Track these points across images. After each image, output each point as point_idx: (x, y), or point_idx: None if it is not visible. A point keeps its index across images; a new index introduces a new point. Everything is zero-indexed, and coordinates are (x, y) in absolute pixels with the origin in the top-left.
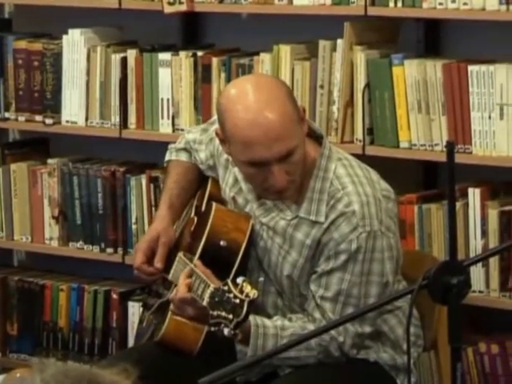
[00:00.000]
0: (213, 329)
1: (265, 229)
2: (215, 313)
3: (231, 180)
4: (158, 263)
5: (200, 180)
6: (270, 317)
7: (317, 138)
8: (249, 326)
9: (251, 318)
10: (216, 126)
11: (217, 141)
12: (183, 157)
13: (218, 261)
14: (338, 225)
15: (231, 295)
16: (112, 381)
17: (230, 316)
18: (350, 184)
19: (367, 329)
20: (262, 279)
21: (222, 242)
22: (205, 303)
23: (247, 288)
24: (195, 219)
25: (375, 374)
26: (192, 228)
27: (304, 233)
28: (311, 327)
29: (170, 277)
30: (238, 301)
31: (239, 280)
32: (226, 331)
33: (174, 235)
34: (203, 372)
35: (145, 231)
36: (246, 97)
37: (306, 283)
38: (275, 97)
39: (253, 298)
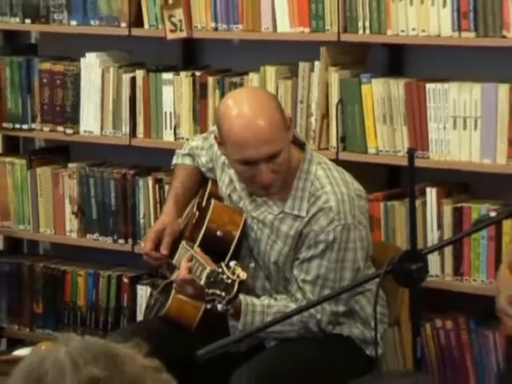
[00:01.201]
0: (209, 306)
1: (255, 222)
2: (210, 291)
3: (227, 180)
4: (164, 250)
5: (201, 181)
6: (258, 297)
7: (300, 145)
8: (240, 304)
9: (242, 297)
10: (215, 133)
11: (215, 147)
12: (187, 161)
13: (215, 248)
14: (317, 219)
15: (224, 276)
16: (126, 353)
17: (223, 294)
18: (328, 184)
19: (341, 308)
20: (252, 265)
21: (218, 233)
22: (202, 283)
23: (238, 270)
24: (197, 213)
25: (348, 346)
26: (194, 221)
27: (288, 225)
28: (293, 306)
29: (173, 261)
30: (230, 281)
31: (231, 264)
32: (219, 307)
33: (179, 227)
34: (200, 345)
35: (151, 225)
36: (241, 106)
37: (289, 268)
38: (265, 107)
39: (242, 279)
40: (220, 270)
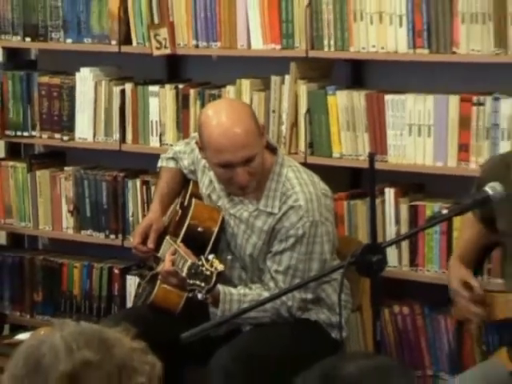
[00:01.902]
0: (190, 295)
1: (232, 218)
2: (191, 281)
3: (207, 181)
4: (151, 244)
5: (184, 182)
6: (235, 286)
7: (273, 149)
8: (218, 294)
9: (220, 287)
10: (196, 139)
11: (197, 151)
12: (171, 164)
13: (196, 243)
14: (288, 215)
15: (204, 268)
16: (116, 337)
17: (203, 284)
18: (298, 185)
19: (309, 295)
20: (229, 257)
21: (199, 229)
22: (184, 274)
23: (216, 263)
24: (179, 211)
25: (316, 330)
26: (177, 218)
27: (262, 221)
28: (266, 294)
29: (159, 254)
30: (209, 273)
31: (210, 257)
32: (199, 296)
33: (164, 223)
34: (184, 329)
35: (139, 222)
36: (220, 116)
37: (263, 260)
38: (241, 116)
39: (220, 271)
40: (200, 262)
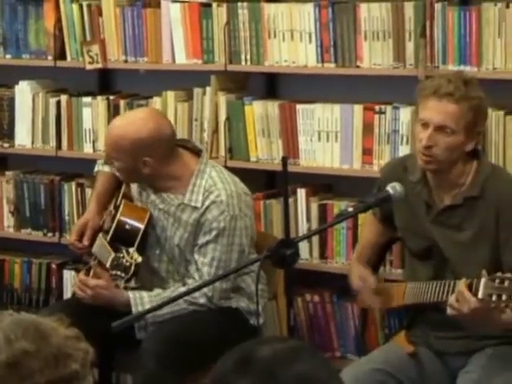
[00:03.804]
0: (113, 284)
1: (162, 212)
2: (113, 272)
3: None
4: (86, 241)
5: (118, 184)
6: (163, 279)
7: (197, 152)
8: (128, 300)
9: (130, 293)
10: None
11: None
12: (106, 168)
13: (125, 239)
14: (210, 209)
15: (124, 260)
16: (52, 326)
17: (123, 274)
18: (220, 182)
19: (229, 285)
20: (157, 252)
21: (126, 226)
22: (108, 265)
23: (135, 255)
24: (112, 211)
25: (236, 316)
26: (110, 217)
27: (187, 215)
28: (183, 289)
29: (93, 250)
30: (128, 264)
31: (131, 250)
32: (120, 284)
33: (99, 222)
34: (115, 318)
35: (75, 221)
36: (115, 121)
37: (189, 251)
38: (127, 128)
39: (138, 262)
40: (121, 255)
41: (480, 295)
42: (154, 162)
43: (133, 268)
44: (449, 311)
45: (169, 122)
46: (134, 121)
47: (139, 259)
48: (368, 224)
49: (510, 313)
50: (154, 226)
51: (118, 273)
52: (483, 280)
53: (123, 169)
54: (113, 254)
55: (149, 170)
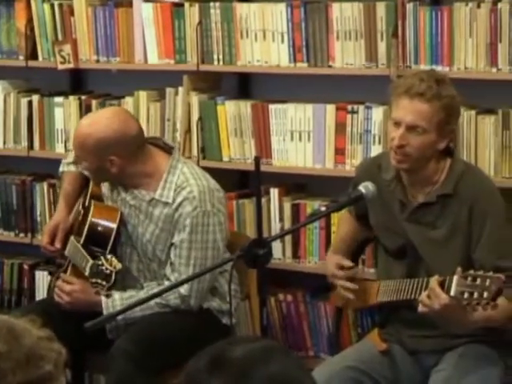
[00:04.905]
0: (94, 291)
1: (133, 209)
2: (93, 280)
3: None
4: (58, 244)
5: (85, 183)
6: (135, 278)
7: (169, 149)
8: (100, 304)
9: (103, 297)
10: None
11: None
12: (72, 168)
13: (98, 240)
14: (183, 206)
15: (104, 267)
16: (24, 327)
17: (104, 283)
18: (192, 178)
19: (206, 285)
20: (128, 250)
21: (99, 228)
22: (86, 273)
23: (115, 262)
24: (82, 211)
25: (207, 317)
26: (80, 218)
27: (159, 210)
28: (155, 290)
29: (66, 253)
30: (108, 271)
31: (109, 256)
32: (102, 293)
33: (70, 222)
34: (88, 319)
35: (46, 221)
36: (83, 119)
37: (160, 248)
38: (93, 129)
39: (118, 270)
40: (100, 262)
41: (452, 293)
42: (121, 161)
43: (113, 276)
44: (420, 308)
45: (136, 121)
46: (99, 120)
47: (119, 266)
48: (344, 221)
49: (482, 310)
50: (125, 224)
51: (99, 281)
52: (455, 277)
53: (91, 169)
54: (91, 261)
55: (116, 169)
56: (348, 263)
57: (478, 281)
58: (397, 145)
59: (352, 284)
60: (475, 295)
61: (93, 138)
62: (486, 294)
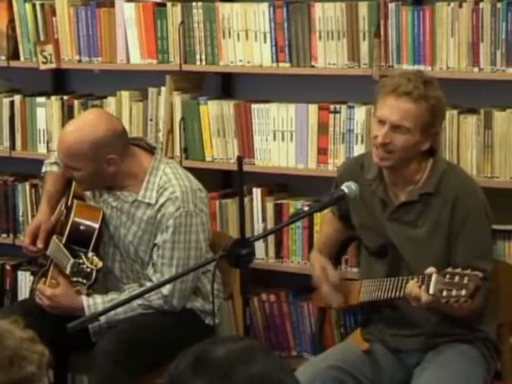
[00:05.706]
0: (76, 290)
1: (115, 210)
2: (74, 279)
3: None
4: (40, 244)
5: (68, 183)
6: (117, 278)
7: (151, 149)
8: (83, 308)
9: (85, 300)
10: None
11: None
12: (55, 168)
13: (80, 240)
14: (166, 206)
15: (85, 266)
16: (7, 329)
17: (85, 281)
18: (174, 179)
19: (189, 286)
20: (111, 250)
21: (81, 227)
22: (68, 272)
23: (95, 260)
24: (64, 211)
25: (190, 317)
26: (62, 218)
27: (142, 212)
28: (137, 291)
29: (48, 252)
30: (89, 270)
31: (90, 254)
32: (83, 291)
33: (52, 223)
34: (70, 320)
35: (29, 221)
36: (68, 125)
37: (143, 249)
38: (81, 131)
39: (99, 268)
40: (81, 260)
41: (431, 291)
42: (118, 158)
43: (94, 274)
44: (413, 302)
45: (118, 119)
46: (85, 122)
47: (100, 264)
48: (327, 220)
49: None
50: (107, 225)
51: (80, 279)
52: (434, 276)
53: (86, 176)
54: (72, 260)
55: (114, 168)
56: (332, 272)
57: (456, 278)
58: (380, 142)
59: (335, 297)
60: (453, 293)
61: (85, 142)
62: (464, 292)
